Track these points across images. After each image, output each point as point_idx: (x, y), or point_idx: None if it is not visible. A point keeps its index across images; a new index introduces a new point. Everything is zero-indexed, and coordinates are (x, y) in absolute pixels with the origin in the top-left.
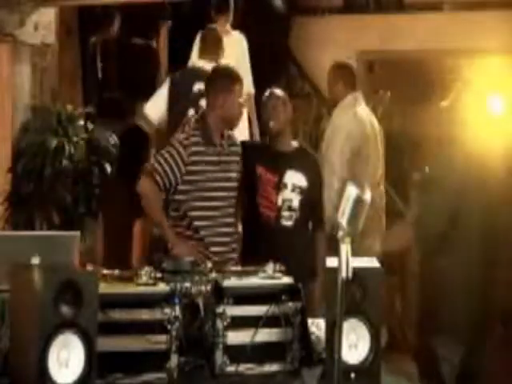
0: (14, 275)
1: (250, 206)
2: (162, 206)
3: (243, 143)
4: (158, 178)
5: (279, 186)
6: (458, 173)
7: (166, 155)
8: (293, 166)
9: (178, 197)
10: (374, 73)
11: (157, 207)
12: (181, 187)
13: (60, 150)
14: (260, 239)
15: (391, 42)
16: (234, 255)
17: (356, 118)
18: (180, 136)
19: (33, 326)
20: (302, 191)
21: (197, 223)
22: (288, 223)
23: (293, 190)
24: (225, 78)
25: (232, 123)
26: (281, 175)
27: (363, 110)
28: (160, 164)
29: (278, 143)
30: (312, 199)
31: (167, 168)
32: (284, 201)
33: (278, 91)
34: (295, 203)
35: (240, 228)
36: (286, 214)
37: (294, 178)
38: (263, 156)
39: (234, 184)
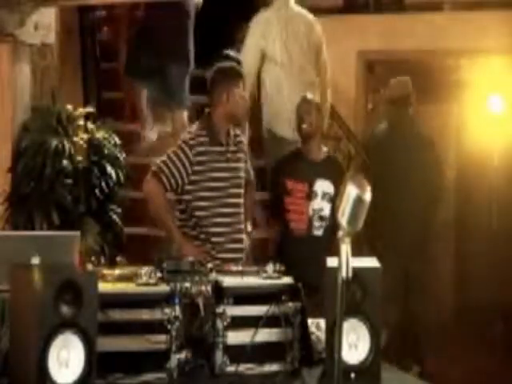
0: (14, 275)
1: (279, 223)
2: (168, 207)
3: (275, 161)
4: (164, 179)
5: (310, 195)
6: None
7: (173, 156)
8: (322, 175)
9: (185, 197)
10: (374, 73)
11: (163, 208)
12: (188, 187)
13: (60, 150)
14: (291, 253)
15: (391, 42)
16: (243, 255)
17: (267, 12)
18: (186, 136)
19: (33, 325)
20: (331, 199)
21: (206, 222)
22: (318, 233)
23: (323, 198)
24: (228, 74)
25: (237, 120)
26: (310, 184)
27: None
28: (166, 165)
29: (308, 149)
30: None
31: (173, 169)
32: (315, 211)
33: (311, 96)
34: (326, 212)
35: (249, 228)
36: (316, 224)
37: (324, 186)
38: (292, 167)
39: (242, 181)
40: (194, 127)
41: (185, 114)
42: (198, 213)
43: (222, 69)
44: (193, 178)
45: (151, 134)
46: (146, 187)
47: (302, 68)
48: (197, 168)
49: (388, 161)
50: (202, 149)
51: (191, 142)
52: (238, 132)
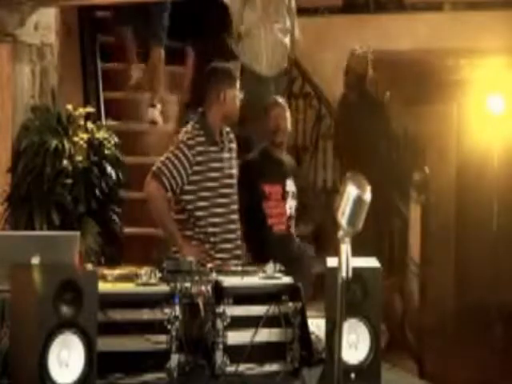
0: (14, 275)
1: (262, 228)
2: (169, 209)
3: (245, 162)
4: (165, 180)
5: (284, 195)
6: None
7: (172, 157)
8: (288, 174)
9: (184, 197)
10: (374, 73)
11: (164, 210)
12: (187, 187)
13: (60, 150)
14: (279, 255)
15: (391, 42)
16: (240, 252)
17: None
18: (184, 137)
19: (33, 325)
20: (295, 196)
21: (204, 222)
22: (293, 229)
23: (292, 197)
24: (224, 75)
25: (231, 118)
26: (284, 184)
27: None
28: (166, 166)
29: (278, 151)
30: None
31: (174, 171)
32: (290, 209)
33: (282, 100)
34: (294, 209)
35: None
36: (291, 222)
37: (291, 185)
38: (266, 171)
39: (235, 181)
40: (190, 127)
41: (162, 51)
42: (197, 213)
43: (218, 69)
44: (192, 178)
45: (136, 72)
46: (147, 188)
47: (277, 11)
48: (196, 168)
49: (350, 126)
50: (200, 149)
51: (190, 143)
52: (228, 130)
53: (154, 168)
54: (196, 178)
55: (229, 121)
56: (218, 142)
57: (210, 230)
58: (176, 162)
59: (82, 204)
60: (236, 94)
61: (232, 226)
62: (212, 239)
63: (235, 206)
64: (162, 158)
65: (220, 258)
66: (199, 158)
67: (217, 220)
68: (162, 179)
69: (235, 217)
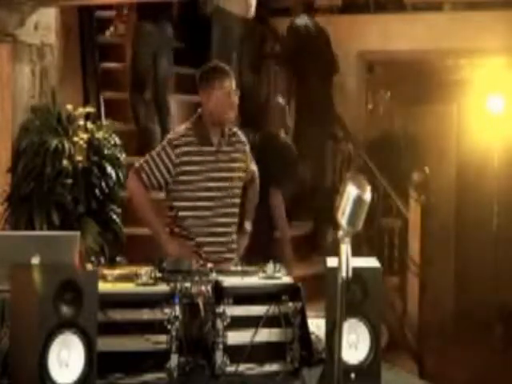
0: (14, 275)
1: None
2: (150, 205)
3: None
4: (144, 176)
5: None
6: None
7: (154, 155)
8: None
9: (170, 196)
10: (374, 73)
11: (144, 206)
12: (172, 187)
13: (60, 150)
14: None
15: (391, 42)
16: (232, 255)
17: None
18: (171, 136)
19: (33, 325)
20: None
21: (187, 222)
22: None
23: None
24: (209, 74)
25: (221, 120)
26: None
27: None
28: (147, 163)
29: None
30: None
31: (154, 167)
32: None
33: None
34: None
35: (248, 226)
36: None
37: None
38: None
39: (235, 183)
40: (182, 127)
41: None
42: (181, 213)
43: (209, 69)
44: (178, 178)
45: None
46: (127, 184)
47: None
48: (182, 168)
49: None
50: (187, 149)
51: (175, 142)
52: (236, 130)
53: (136, 164)
54: (184, 178)
55: (220, 120)
56: (214, 142)
57: (194, 230)
58: (157, 159)
59: (81, 204)
60: (230, 91)
61: (221, 229)
62: (198, 239)
63: (228, 210)
64: (146, 156)
65: (207, 259)
66: (185, 158)
67: (199, 222)
68: (142, 175)
69: (227, 220)
